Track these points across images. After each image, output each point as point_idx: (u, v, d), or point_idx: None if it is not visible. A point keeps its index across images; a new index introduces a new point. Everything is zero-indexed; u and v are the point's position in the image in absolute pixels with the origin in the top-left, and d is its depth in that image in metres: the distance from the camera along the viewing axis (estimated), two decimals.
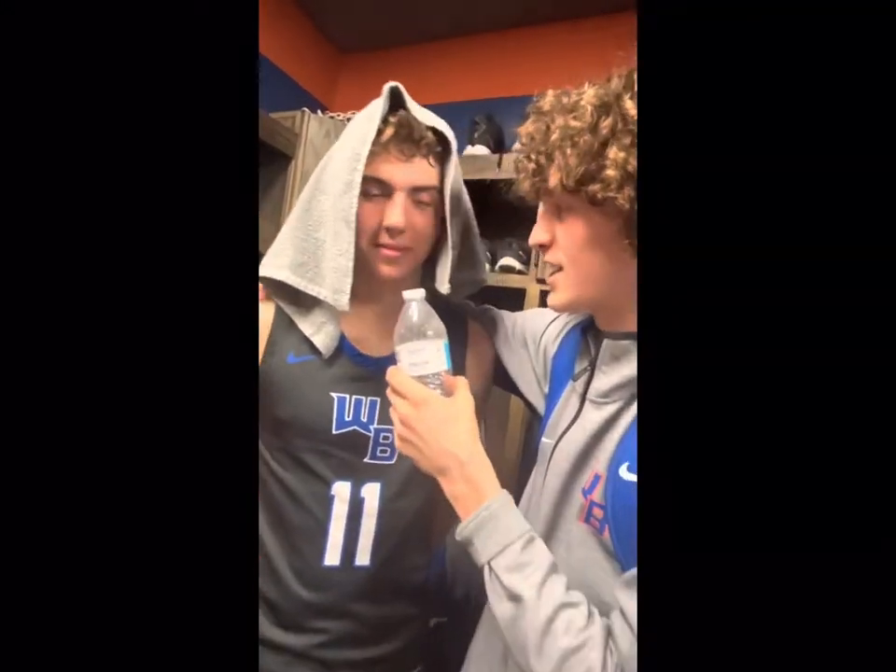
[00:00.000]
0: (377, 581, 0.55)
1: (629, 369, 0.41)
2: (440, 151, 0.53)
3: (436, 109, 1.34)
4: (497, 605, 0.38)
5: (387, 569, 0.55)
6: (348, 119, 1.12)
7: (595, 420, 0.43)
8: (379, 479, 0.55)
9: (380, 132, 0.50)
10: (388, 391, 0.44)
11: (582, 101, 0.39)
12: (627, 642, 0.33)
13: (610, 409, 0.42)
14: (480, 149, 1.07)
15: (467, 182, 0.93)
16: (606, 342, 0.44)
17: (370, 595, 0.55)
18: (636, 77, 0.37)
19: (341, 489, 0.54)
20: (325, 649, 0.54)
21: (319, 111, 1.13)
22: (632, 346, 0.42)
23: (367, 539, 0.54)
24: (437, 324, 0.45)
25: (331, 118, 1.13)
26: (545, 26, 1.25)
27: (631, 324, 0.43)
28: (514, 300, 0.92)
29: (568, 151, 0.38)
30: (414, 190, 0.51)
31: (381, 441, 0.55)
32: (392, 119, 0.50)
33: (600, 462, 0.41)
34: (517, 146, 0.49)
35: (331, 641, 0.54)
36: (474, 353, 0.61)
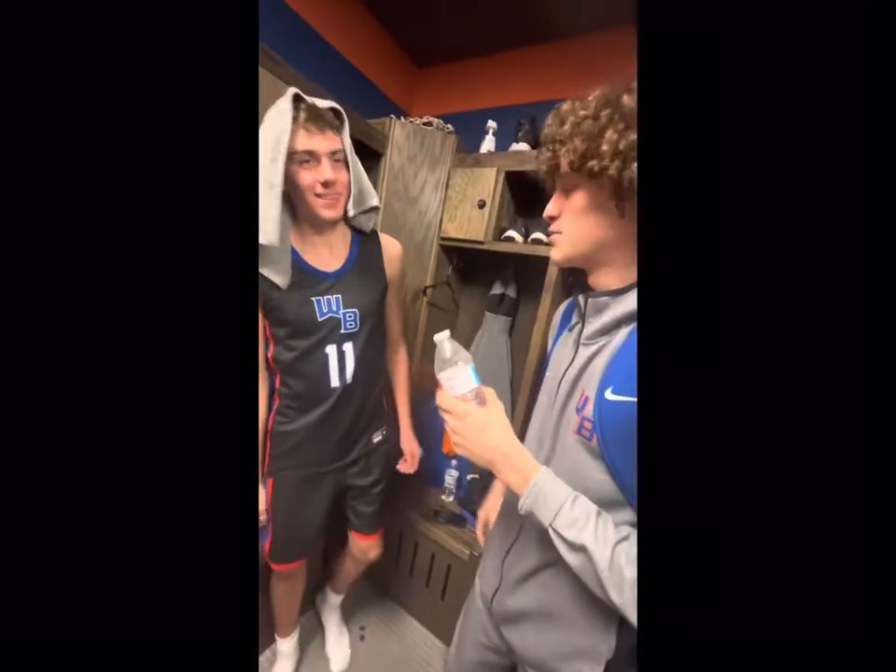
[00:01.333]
0: (358, 390, 0.93)
1: (607, 317, 0.49)
2: (339, 125, 0.76)
3: (489, 112, 1.67)
4: (568, 556, 0.43)
5: (362, 384, 0.93)
6: (423, 124, 1.36)
7: (583, 356, 0.51)
8: (351, 340, 0.89)
9: (296, 118, 0.70)
10: (440, 411, 0.52)
11: (590, 97, 0.46)
12: None
13: (594, 347, 0.51)
14: (523, 146, 1.27)
15: (511, 173, 1.20)
16: (591, 300, 0.52)
17: (356, 398, 0.94)
18: (634, 83, 0.42)
19: (330, 349, 0.87)
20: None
21: (402, 117, 1.35)
22: (609, 301, 0.50)
23: (349, 370, 0.90)
24: (463, 353, 0.53)
25: (411, 122, 1.33)
26: (582, 37, 1.38)
27: (609, 283, 0.51)
28: (542, 266, 1.16)
29: (576, 139, 0.45)
30: (332, 154, 0.74)
31: (347, 318, 0.87)
32: (303, 107, 0.71)
33: (589, 387, 0.48)
34: None
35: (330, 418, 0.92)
36: (387, 250, 0.96)
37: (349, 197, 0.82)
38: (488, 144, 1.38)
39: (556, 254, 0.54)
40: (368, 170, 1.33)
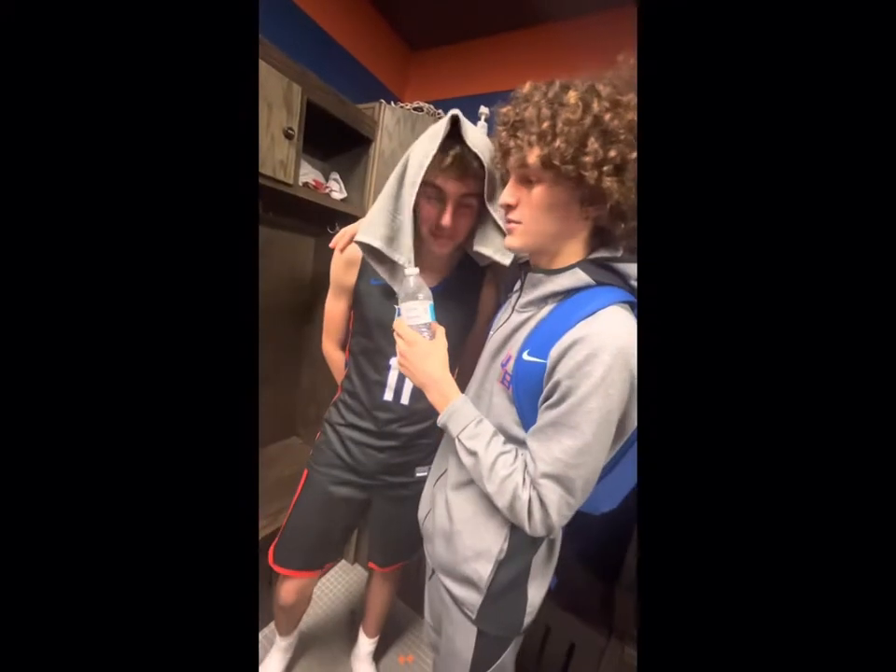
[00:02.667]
0: (411, 412, 0.87)
1: (539, 292, 0.57)
2: (482, 173, 0.66)
3: (482, 98, 1.63)
4: (464, 458, 0.57)
5: (417, 407, 0.86)
6: (414, 109, 1.34)
7: (515, 321, 0.61)
8: None
9: (441, 158, 0.63)
10: (394, 334, 0.61)
11: (571, 98, 0.47)
12: (532, 468, 0.52)
13: (524, 315, 0.59)
14: None
15: None
16: (529, 275, 0.60)
17: (408, 420, 0.87)
18: (621, 101, 0.46)
19: (394, 362, 0.82)
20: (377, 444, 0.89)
21: (393, 102, 1.32)
22: (543, 278, 0.57)
23: (408, 389, 0.84)
24: (426, 291, 0.60)
25: (402, 107, 1.32)
26: (579, 20, 1.35)
27: (547, 264, 0.58)
28: None
29: (559, 139, 0.47)
30: (462, 196, 0.67)
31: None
32: (451, 152, 0.63)
33: (513, 347, 0.58)
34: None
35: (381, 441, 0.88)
36: (487, 289, 0.87)
37: (465, 239, 0.75)
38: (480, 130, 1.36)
39: (514, 242, 0.57)
40: (356, 156, 1.35)
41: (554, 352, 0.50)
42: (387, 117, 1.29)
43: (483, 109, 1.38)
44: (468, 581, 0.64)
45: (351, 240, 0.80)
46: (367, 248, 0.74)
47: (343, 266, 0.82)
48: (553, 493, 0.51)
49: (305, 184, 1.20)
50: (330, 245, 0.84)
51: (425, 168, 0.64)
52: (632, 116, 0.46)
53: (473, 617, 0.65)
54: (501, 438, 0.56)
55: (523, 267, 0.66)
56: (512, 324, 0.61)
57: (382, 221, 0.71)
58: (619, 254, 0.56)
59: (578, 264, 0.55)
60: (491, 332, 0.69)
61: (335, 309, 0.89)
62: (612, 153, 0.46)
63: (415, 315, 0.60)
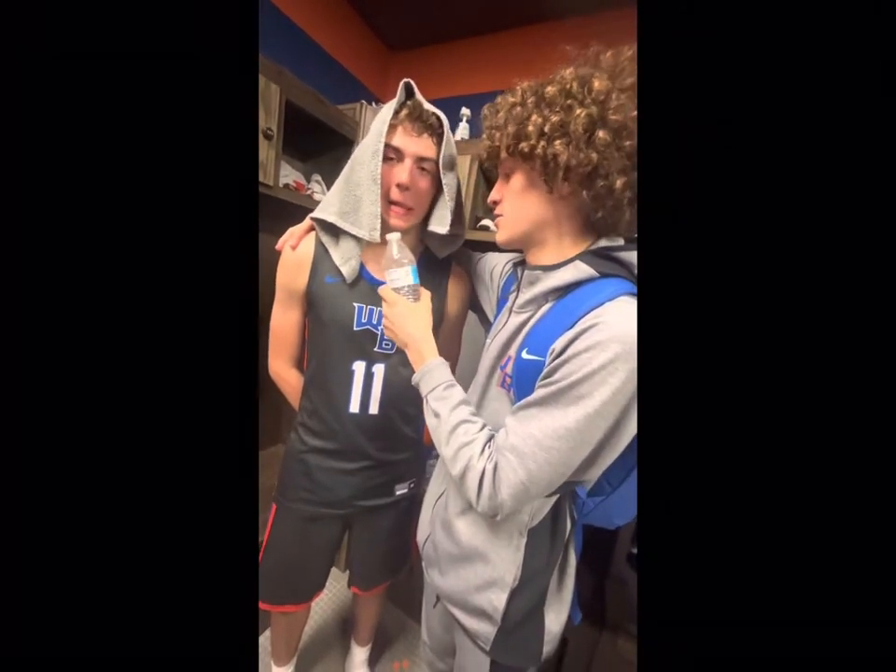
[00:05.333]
0: (382, 424, 0.81)
1: (537, 289, 0.56)
2: (440, 133, 0.68)
3: (463, 99, 1.63)
4: (428, 419, 0.56)
5: (388, 417, 0.81)
6: None
7: (514, 323, 0.58)
8: (383, 362, 0.78)
9: (398, 112, 0.65)
10: (382, 301, 0.63)
11: (518, 88, 0.52)
12: (501, 439, 0.50)
13: (524, 316, 0.57)
14: None
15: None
16: (525, 272, 0.60)
17: (379, 433, 0.81)
18: (561, 75, 0.49)
19: (358, 367, 0.76)
20: (346, 460, 0.82)
21: (374, 103, 1.32)
22: (541, 275, 0.56)
23: (375, 398, 0.78)
24: (408, 255, 0.62)
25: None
26: (561, 22, 1.37)
27: (542, 259, 0.57)
28: (489, 249, 1.13)
29: (509, 125, 0.51)
30: (419, 159, 0.66)
31: (385, 337, 0.76)
32: (408, 103, 0.66)
33: (512, 348, 0.57)
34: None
35: (350, 456, 0.82)
36: (453, 284, 0.83)
37: (423, 213, 0.74)
38: (462, 131, 1.37)
39: (500, 236, 0.59)
40: (338, 157, 1.33)
41: (557, 345, 0.47)
42: (369, 118, 1.28)
43: (465, 110, 1.39)
44: (480, 613, 0.61)
45: (304, 234, 0.78)
46: (321, 228, 0.74)
47: (293, 267, 0.76)
48: (511, 471, 0.48)
49: (286, 185, 1.18)
50: (277, 246, 0.78)
51: (384, 133, 0.64)
52: (570, 84, 0.48)
53: (487, 649, 0.62)
54: (471, 408, 0.55)
55: (518, 266, 0.64)
56: (511, 326, 0.59)
57: (336, 198, 0.71)
58: (622, 242, 0.54)
59: (578, 256, 0.53)
60: (488, 340, 0.67)
61: (286, 321, 0.81)
62: (554, 118, 0.47)
63: (398, 279, 0.61)
